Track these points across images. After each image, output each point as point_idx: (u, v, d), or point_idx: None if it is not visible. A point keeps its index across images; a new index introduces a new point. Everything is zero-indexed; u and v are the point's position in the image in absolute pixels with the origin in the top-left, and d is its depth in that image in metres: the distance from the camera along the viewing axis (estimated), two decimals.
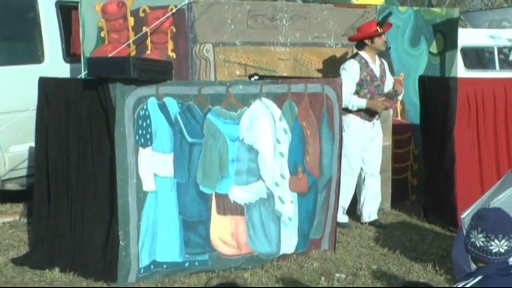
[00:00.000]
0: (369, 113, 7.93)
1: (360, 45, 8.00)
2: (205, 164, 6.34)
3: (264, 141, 6.59)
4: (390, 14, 8.23)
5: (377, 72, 7.98)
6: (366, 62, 7.94)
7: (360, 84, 7.88)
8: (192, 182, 6.30)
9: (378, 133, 8.14)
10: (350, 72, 7.86)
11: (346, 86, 7.66)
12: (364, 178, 8.16)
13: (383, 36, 7.96)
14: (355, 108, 7.84)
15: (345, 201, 8.01)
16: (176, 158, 6.21)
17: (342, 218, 8.03)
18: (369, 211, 8.16)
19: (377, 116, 8.01)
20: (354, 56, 8.11)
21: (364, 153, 8.06)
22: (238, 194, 6.52)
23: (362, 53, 7.98)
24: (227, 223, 6.50)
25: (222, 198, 6.45)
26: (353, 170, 8.02)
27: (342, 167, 7.74)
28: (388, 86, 8.12)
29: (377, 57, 8.04)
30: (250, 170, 6.55)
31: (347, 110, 7.85)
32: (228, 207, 6.48)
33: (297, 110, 6.76)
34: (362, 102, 7.83)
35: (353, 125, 7.92)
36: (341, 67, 8.02)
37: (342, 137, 7.35)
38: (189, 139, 6.25)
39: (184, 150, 6.25)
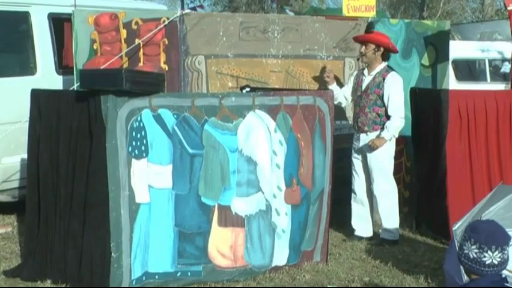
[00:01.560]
0: (353, 124, 8.11)
1: (387, 56, 8.01)
2: (207, 175, 6.35)
3: (261, 153, 6.61)
4: (371, 24, 8.36)
5: (365, 83, 7.92)
6: (363, 71, 8.02)
7: (352, 90, 8.12)
8: (193, 194, 6.30)
9: (363, 148, 7.92)
10: (351, 76, 8.26)
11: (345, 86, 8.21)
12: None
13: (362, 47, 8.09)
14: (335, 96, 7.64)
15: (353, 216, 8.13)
16: (175, 169, 6.21)
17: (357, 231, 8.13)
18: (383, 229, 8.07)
19: (356, 128, 7.99)
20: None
21: (362, 167, 8.03)
22: (240, 205, 6.53)
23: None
24: (227, 235, 6.50)
25: (224, 210, 6.46)
26: (352, 182, 8.09)
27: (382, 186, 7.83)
28: (389, 105, 7.81)
29: (377, 70, 7.90)
30: (250, 181, 6.56)
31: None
32: (230, 219, 6.49)
33: (291, 121, 6.77)
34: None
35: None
36: None
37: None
38: (190, 150, 6.26)
39: (185, 162, 6.25)
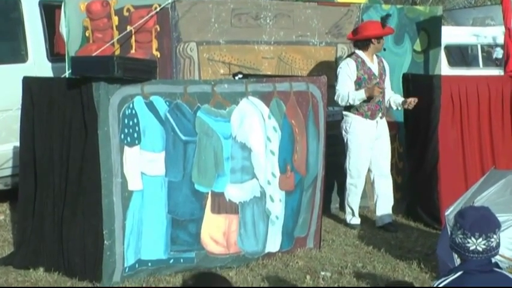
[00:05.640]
0: (371, 111, 7.85)
1: (365, 44, 7.91)
2: (200, 162, 6.33)
3: (256, 139, 6.60)
4: (389, 15, 8.20)
5: (375, 70, 7.92)
6: (363, 60, 7.89)
7: (358, 83, 7.84)
8: (186, 181, 6.29)
9: (383, 132, 8.00)
10: (346, 71, 7.84)
11: (343, 85, 7.79)
12: (373, 180, 8.09)
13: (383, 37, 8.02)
14: (357, 102, 7.75)
15: (352, 203, 8.04)
16: (168, 156, 6.20)
17: (353, 220, 8.06)
18: (381, 215, 8.03)
19: (380, 115, 7.91)
20: (350, 55, 8.12)
21: (371, 153, 7.95)
22: (234, 192, 6.52)
23: (359, 52, 7.94)
24: (221, 222, 6.50)
25: (218, 197, 6.45)
26: (358, 172, 7.97)
27: (348, 169, 7.86)
28: (388, 84, 8.08)
29: (375, 56, 8.00)
30: (244, 168, 6.55)
31: (348, 110, 7.87)
32: (223, 206, 6.49)
33: (285, 108, 6.76)
34: (361, 93, 7.72)
35: (354, 124, 7.87)
36: (338, 67, 8.03)
37: (346, 138, 7.62)
38: (183, 137, 6.24)
39: (178, 149, 6.24)
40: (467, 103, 8.03)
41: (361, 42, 7.96)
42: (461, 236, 3.74)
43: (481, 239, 3.70)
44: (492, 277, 3.71)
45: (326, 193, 7.48)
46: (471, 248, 3.71)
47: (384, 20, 7.96)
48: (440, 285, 3.70)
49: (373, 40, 7.88)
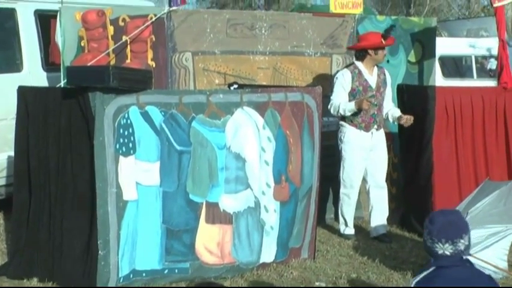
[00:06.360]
0: (365, 123, 7.84)
1: (361, 54, 7.91)
2: (195, 172, 6.33)
3: (250, 150, 6.60)
4: (393, 26, 8.20)
5: (373, 82, 7.90)
6: (360, 72, 7.87)
7: (352, 94, 7.83)
8: (181, 191, 6.29)
9: (379, 143, 7.98)
10: (341, 82, 7.83)
11: (337, 95, 7.79)
12: (369, 190, 8.08)
13: (385, 49, 8.00)
14: (348, 113, 7.75)
15: (346, 213, 8.04)
16: (163, 166, 6.20)
17: (347, 230, 8.07)
18: (376, 226, 8.03)
19: (375, 127, 7.90)
20: (348, 65, 8.10)
21: (366, 163, 7.95)
22: (228, 202, 6.52)
23: (358, 63, 7.92)
24: (215, 232, 6.50)
25: (212, 207, 6.45)
26: (351, 182, 7.96)
27: (341, 179, 7.89)
28: (388, 96, 8.06)
29: (375, 68, 7.96)
30: (238, 178, 6.56)
31: (343, 120, 7.88)
32: (217, 216, 6.48)
33: (279, 118, 6.77)
34: (351, 105, 7.72)
35: (349, 134, 7.87)
36: (335, 76, 8.05)
37: (341, 147, 7.60)
38: (178, 147, 6.25)
39: (172, 159, 6.24)
40: (461, 114, 8.06)
41: (358, 52, 7.97)
42: (430, 240, 3.91)
43: (447, 244, 3.87)
44: (464, 270, 3.87)
45: (321, 203, 7.49)
46: (439, 252, 3.89)
47: (388, 31, 7.97)
48: (414, 281, 3.90)
49: (369, 51, 7.86)
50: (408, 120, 7.75)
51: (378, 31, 8.26)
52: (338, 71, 8.17)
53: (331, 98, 7.86)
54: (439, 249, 3.87)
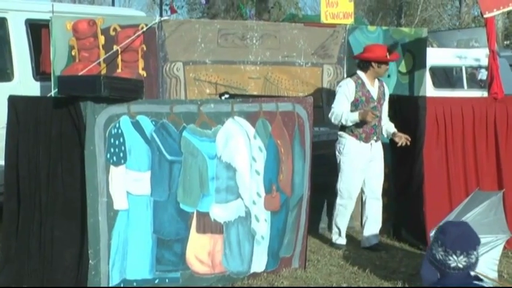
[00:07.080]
0: (365, 134, 7.85)
1: (365, 65, 7.91)
2: (186, 182, 6.33)
3: (241, 159, 6.61)
4: (397, 44, 8.18)
5: (374, 94, 7.91)
6: (363, 82, 7.88)
7: (355, 104, 7.83)
8: (171, 200, 6.28)
9: (377, 154, 8.00)
10: (345, 91, 7.82)
11: (339, 104, 7.79)
12: (365, 201, 8.10)
13: (388, 64, 8.01)
14: (349, 123, 7.75)
15: (340, 223, 8.05)
16: (154, 176, 6.19)
17: (339, 240, 8.07)
18: (369, 236, 8.04)
19: (374, 138, 7.92)
20: (351, 75, 8.09)
21: (363, 175, 7.95)
22: (219, 212, 6.51)
23: (360, 73, 7.92)
24: (206, 242, 6.48)
25: (203, 217, 6.44)
26: (349, 193, 7.97)
27: (339, 190, 7.90)
28: (385, 110, 8.09)
29: (376, 80, 7.98)
30: (229, 188, 6.55)
31: (343, 130, 7.89)
32: (208, 226, 6.47)
33: (270, 128, 6.78)
34: (354, 115, 7.71)
35: (348, 146, 7.86)
36: (338, 85, 8.06)
37: (339, 159, 7.60)
38: (168, 157, 6.25)
39: (163, 168, 6.23)
40: (451, 124, 8.08)
41: (362, 63, 7.98)
42: (442, 252, 3.78)
43: (462, 256, 3.75)
44: None
45: (313, 213, 7.49)
46: (452, 265, 3.76)
47: (393, 47, 7.99)
48: None
49: (373, 63, 7.86)
50: (404, 139, 7.80)
51: (371, 41, 8.28)
52: (341, 80, 8.17)
53: (332, 106, 7.87)
54: (452, 262, 3.75)
